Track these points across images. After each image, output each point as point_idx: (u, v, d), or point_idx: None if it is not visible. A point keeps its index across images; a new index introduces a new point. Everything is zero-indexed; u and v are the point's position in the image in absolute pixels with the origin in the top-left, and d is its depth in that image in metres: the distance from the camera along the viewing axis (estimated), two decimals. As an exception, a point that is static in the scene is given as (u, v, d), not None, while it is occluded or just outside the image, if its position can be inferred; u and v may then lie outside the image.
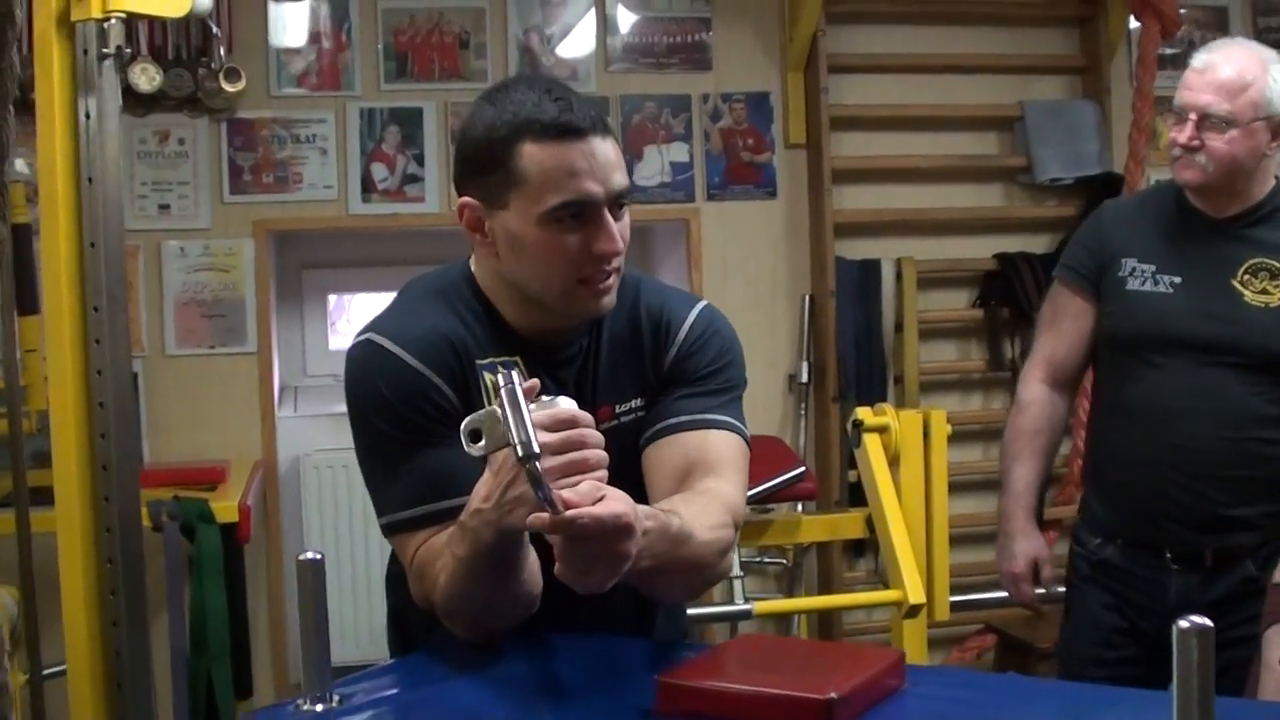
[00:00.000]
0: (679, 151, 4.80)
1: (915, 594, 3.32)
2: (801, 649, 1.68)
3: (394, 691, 1.73)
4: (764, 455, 3.86)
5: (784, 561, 4.77)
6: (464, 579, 1.72)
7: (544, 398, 1.65)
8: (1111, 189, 4.80)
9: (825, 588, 4.82)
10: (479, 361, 1.91)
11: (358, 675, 1.75)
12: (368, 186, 4.56)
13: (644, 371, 1.98)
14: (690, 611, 3.71)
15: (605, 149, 1.80)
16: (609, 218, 1.81)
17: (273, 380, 4.56)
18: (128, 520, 2.68)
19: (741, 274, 4.85)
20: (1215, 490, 2.65)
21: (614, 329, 1.98)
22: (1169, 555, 2.73)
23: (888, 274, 4.83)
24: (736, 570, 3.49)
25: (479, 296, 1.95)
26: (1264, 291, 2.66)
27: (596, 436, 1.64)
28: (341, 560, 4.57)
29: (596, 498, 1.55)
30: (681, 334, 1.98)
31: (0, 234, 0.84)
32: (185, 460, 4.29)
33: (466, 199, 1.88)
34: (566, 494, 1.53)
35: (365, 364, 1.90)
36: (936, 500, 3.49)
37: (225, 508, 3.58)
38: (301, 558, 1.61)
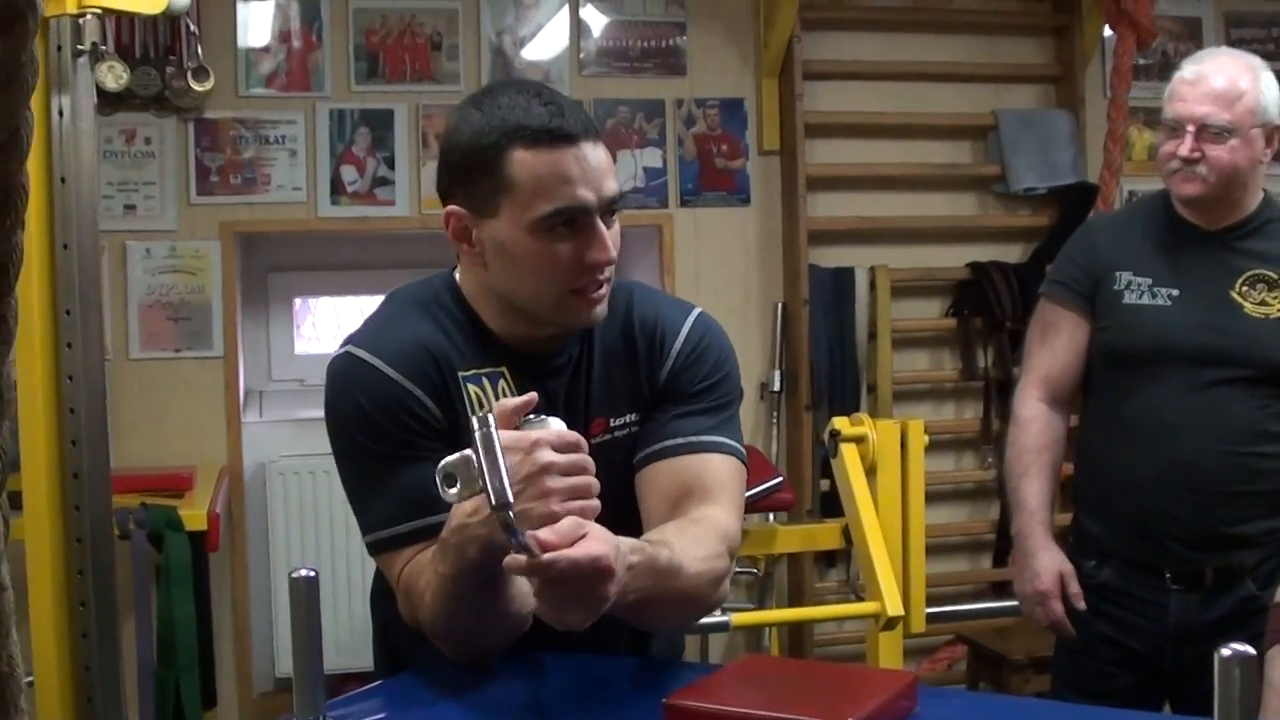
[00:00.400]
0: (652, 157, 4.75)
1: (894, 606, 3.29)
2: (810, 671, 1.64)
3: (385, 715, 1.67)
4: (740, 465, 3.83)
5: (755, 571, 4.73)
6: (450, 597, 1.67)
7: (535, 417, 1.61)
8: (1085, 199, 4.81)
9: (796, 598, 4.78)
10: (462, 373, 1.87)
11: (348, 696, 1.70)
12: (337, 189, 4.50)
13: (638, 384, 1.94)
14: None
15: (597, 155, 1.76)
16: (601, 226, 1.77)
17: (238, 385, 4.49)
18: (99, 530, 2.63)
19: (714, 281, 4.80)
20: (1218, 507, 2.63)
21: (606, 340, 1.94)
22: (1169, 575, 2.70)
23: (861, 282, 4.79)
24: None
25: (462, 306, 1.90)
26: (1263, 303, 2.64)
27: (591, 464, 1.61)
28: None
29: (577, 536, 1.50)
30: (677, 345, 1.94)
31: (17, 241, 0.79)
32: (150, 466, 4.21)
33: (453, 207, 1.83)
34: (544, 534, 1.49)
35: (345, 377, 1.86)
36: (913, 511, 3.47)
37: (193, 516, 3.51)
38: (294, 574, 1.54)
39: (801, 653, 4.74)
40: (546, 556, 1.46)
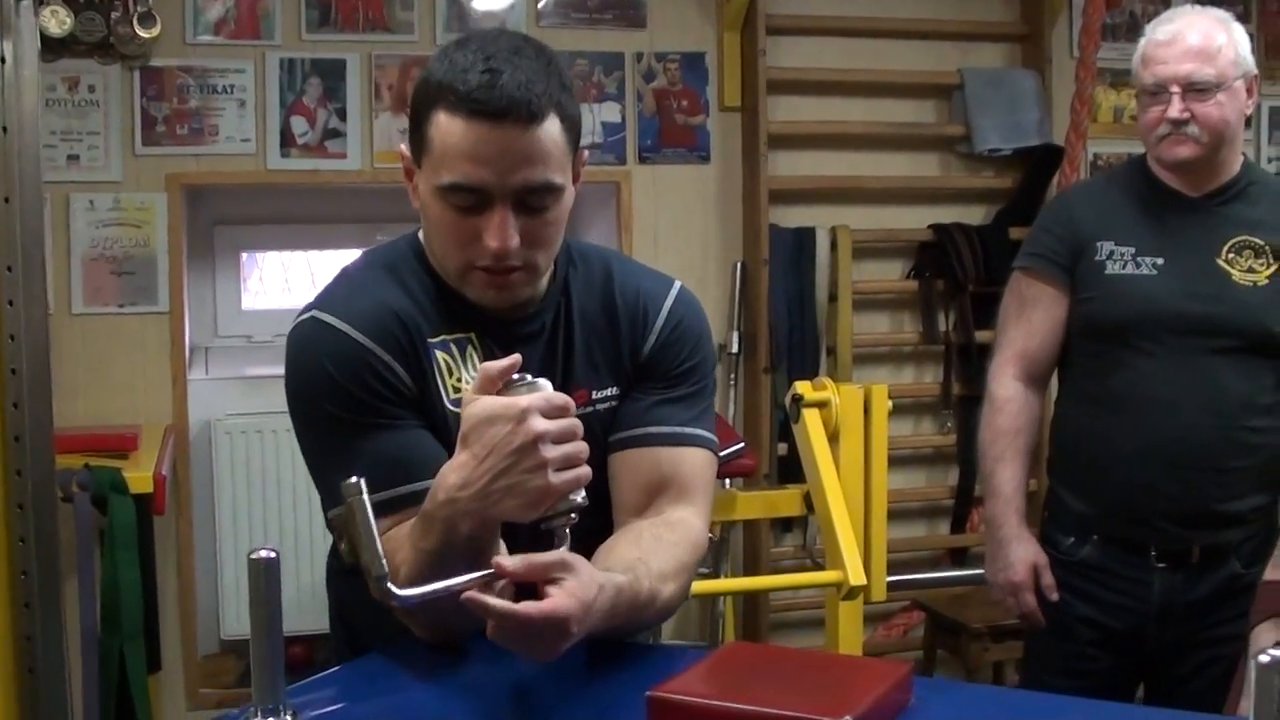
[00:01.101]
0: (610, 111, 4.65)
1: (856, 575, 3.23)
2: (800, 661, 1.56)
3: (350, 702, 1.59)
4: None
5: (711, 536, 4.65)
6: (430, 575, 1.58)
7: (525, 377, 1.52)
8: (1051, 161, 4.76)
9: (752, 563, 4.73)
10: (430, 340, 1.78)
11: (309, 682, 1.62)
12: (287, 140, 4.37)
13: (620, 357, 1.87)
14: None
15: (525, 139, 1.65)
16: (502, 213, 1.67)
17: (184, 341, 4.36)
18: (41, 496, 2.52)
19: (673, 240, 4.72)
20: (1208, 483, 2.57)
21: (586, 309, 1.87)
22: (1154, 553, 2.64)
23: (822, 243, 4.72)
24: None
25: (429, 269, 1.82)
26: (1250, 270, 2.58)
27: (580, 425, 1.54)
28: (254, 529, 4.39)
29: (550, 578, 1.47)
30: (660, 320, 1.88)
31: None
32: (93, 425, 4.09)
33: (403, 147, 1.78)
34: (519, 565, 1.46)
35: (308, 343, 1.77)
36: (876, 478, 3.40)
37: (139, 478, 3.39)
38: (254, 556, 1.45)
39: (757, 619, 4.69)
40: (503, 608, 1.43)
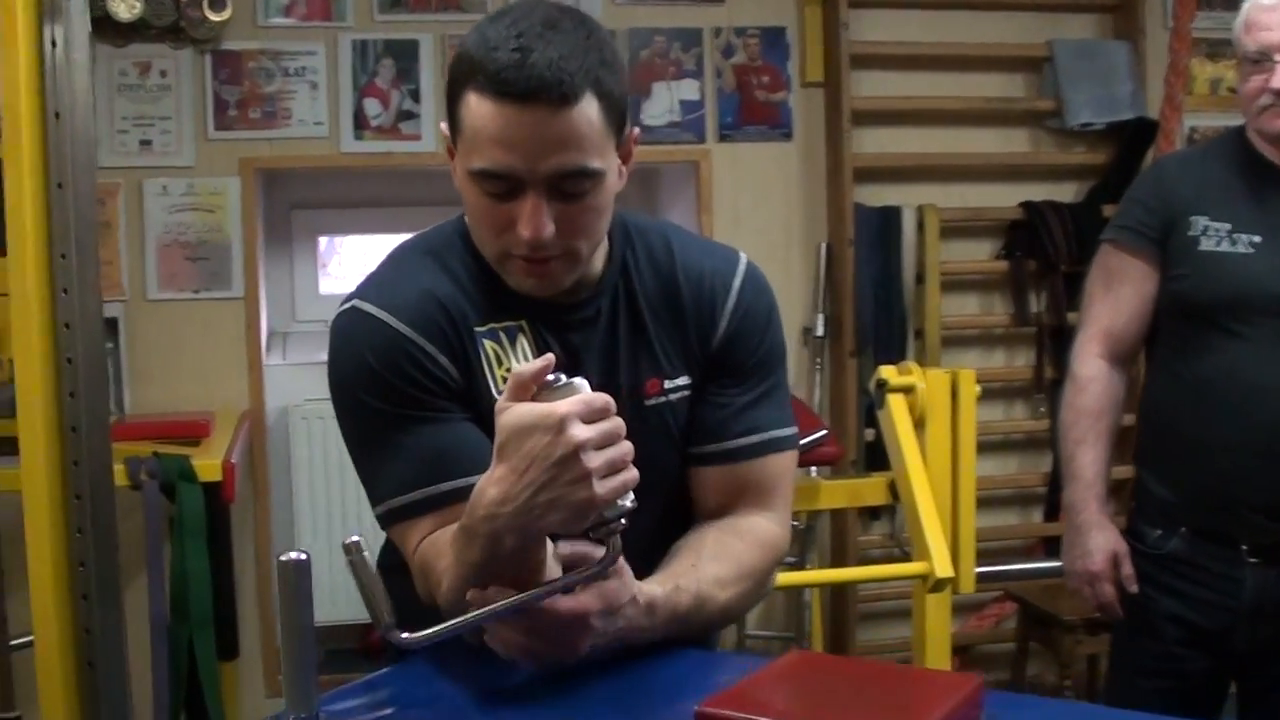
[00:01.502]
0: (689, 89, 4.54)
1: (942, 567, 3.13)
2: (862, 673, 1.45)
3: (391, 710, 1.51)
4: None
5: (797, 524, 4.56)
6: (476, 586, 1.50)
7: (560, 378, 1.42)
8: (1145, 136, 4.59)
9: (839, 552, 4.61)
10: (477, 329, 1.69)
11: (348, 688, 1.53)
12: (360, 123, 4.31)
13: (689, 346, 1.78)
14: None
15: (557, 121, 1.54)
16: (536, 200, 1.57)
17: (260, 327, 4.32)
18: (99, 487, 2.47)
19: (754, 221, 4.61)
20: None
21: (649, 292, 1.77)
22: (1245, 547, 2.50)
23: (908, 222, 4.58)
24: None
25: (475, 254, 1.72)
26: None
27: (623, 426, 1.43)
28: (332, 515, 4.36)
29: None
30: (730, 305, 1.78)
31: None
32: (167, 412, 4.07)
33: (444, 124, 1.68)
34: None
35: (350, 333, 1.69)
36: (963, 466, 3.29)
37: (208, 465, 3.34)
38: (283, 558, 1.37)
39: (845, 609, 4.58)
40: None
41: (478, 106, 1.55)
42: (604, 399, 1.41)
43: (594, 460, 1.38)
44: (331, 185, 4.66)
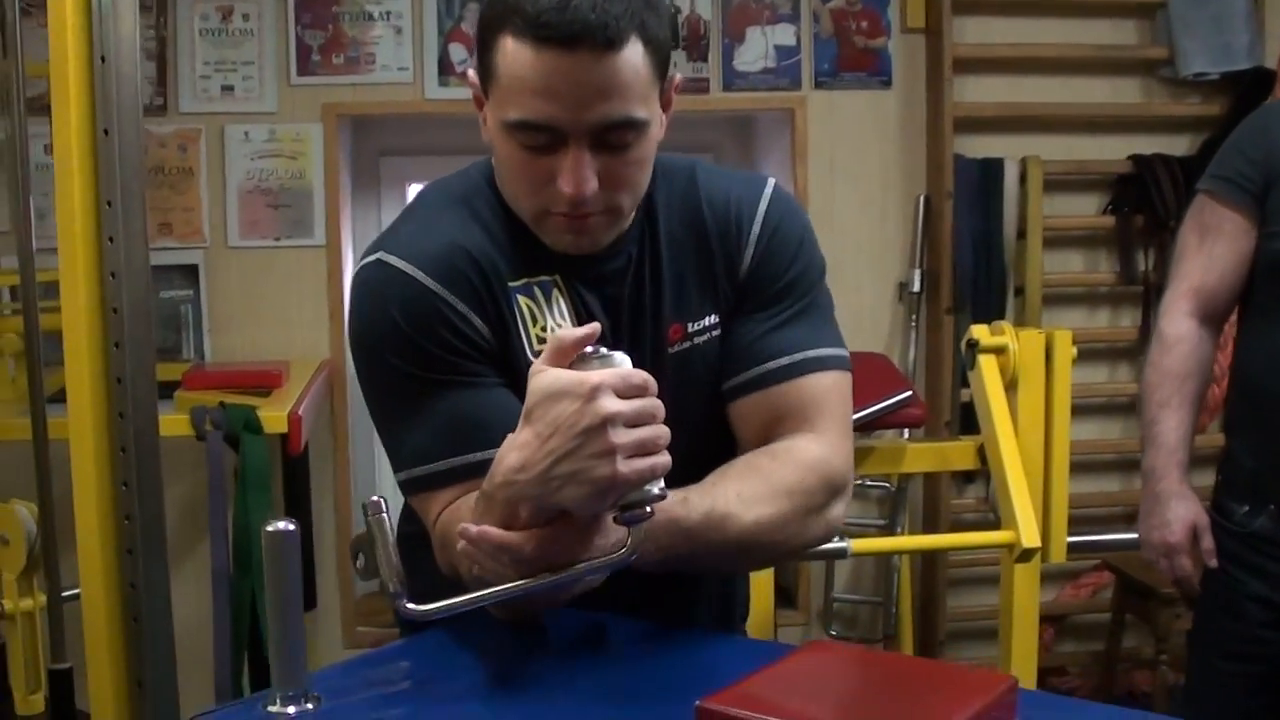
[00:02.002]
0: (785, 34, 4.38)
1: (1029, 537, 3.01)
2: (885, 668, 1.34)
3: (386, 689, 1.42)
4: (868, 376, 3.52)
5: (887, 485, 4.44)
6: None
7: (600, 350, 1.32)
8: (1262, 86, 4.35)
9: (931, 516, 4.47)
10: (511, 283, 1.59)
11: (344, 664, 1.47)
12: (445, 69, 4.21)
13: (715, 280, 1.67)
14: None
15: (601, 68, 1.44)
16: (578, 153, 1.47)
17: (342, 275, 4.26)
18: (144, 440, 2.43)
19: (850, 171, 4.46)
20: None
21: (673, 231, 1.66)
22: None
23: (1011, 175, 4.40)
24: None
25: (504, 202, 1.62)
26: None
27: (661, 408, 1.34)
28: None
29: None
30: (755, 228, 1.67)
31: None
32: (246, 361, 4.04)
33: (470, 71, 1.57)
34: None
35: (374, 289, 1.58)
36: (1057, 430, 3.15)
37: (274, 417, 3.28)
38: (269, 528, 1.30)
39: (935, 575, 4.45)
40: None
41: (515, 52, 1.45)
42: (643, 376, 1.32)
43: (622, 436, 1.29)
44: (420, 132, 4.59)
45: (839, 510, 1.63)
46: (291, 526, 1.30)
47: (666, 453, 1.32)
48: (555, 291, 1.62)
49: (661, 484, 1.34)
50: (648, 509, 1.34)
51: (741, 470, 1.55)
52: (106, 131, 2.35)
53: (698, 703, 1.19)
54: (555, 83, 1.44)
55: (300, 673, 1.31)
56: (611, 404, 1.29)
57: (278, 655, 1.31)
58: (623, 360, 1.34)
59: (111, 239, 2.38)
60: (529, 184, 1.53)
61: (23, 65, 2.76)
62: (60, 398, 2.46)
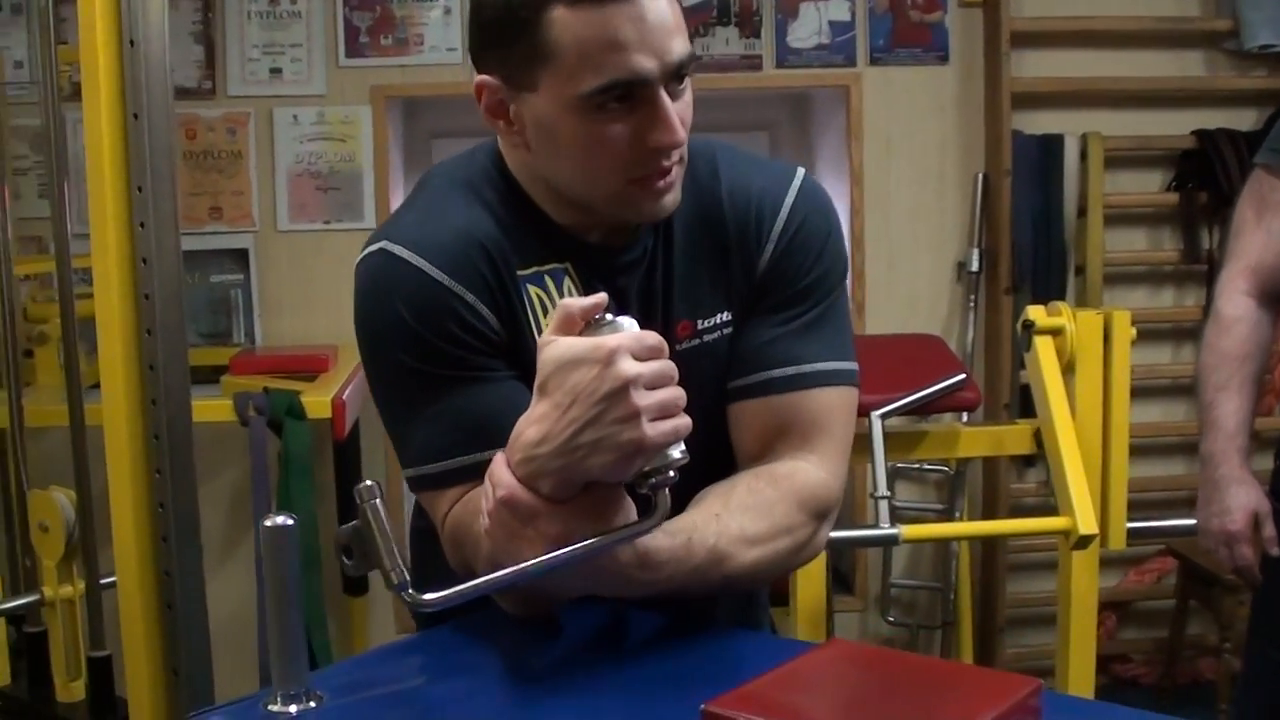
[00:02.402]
0: (839, 9, 4.31)
1: (1086, 524, 2.93)
2: (904, 669, 1.27)
3: (392, 687, 1.38)
4: (920, 358, 3.47)
5: (946, 469, 4.36)
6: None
7: (605, 317, 1.27)
8: (1331, 58, 4.23)
9: (990, 500, 4.40)
10: (521, 272, 1.53)
11: (348, 662, 1.43)
12: (495, 49, 4.17)
13: (731, 276, 1.59)
14: (830, 534, 3.34)
15: (658, 8, 1.38)
16: (665, 100, 1.40)
17: (393, 259, 4.24)
18: (177, 428, 2.40)
19: (907, 149, 4.39)
20: None
21: (688, 221, 1.58)
22: None
23: (1071, 151, 4.31)
24: (882, 490, 3.09)
25: (513, 188, 1.55)
26: None
27: (675, 368, 1.29)
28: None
29: None
30: (778, 225, 1.58)
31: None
32: (297, 344, 4.03)
33: (485, 78, 1.49)
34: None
35: (380, 281, 1.51)
36: (1116, 414, 3.07)
37: (317, 402, 3.26)
38: (267, 522, 1.26)
39: (995, 560, 4.37)
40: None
41: (574, 20, 1.37)
42: (656, 337, 1.27)
43: (645, 399, 1.24)
44: (472, 114, 4.49)
45: (823, 535, 1.57)
46: (290, 521, 1.26)
47: (685, 414, 1.28)
48: (566, 280, 1.56)
49: (682, 447, 1.28)
50: (670, 473, 1.28)
51: (745, 499, 1.48)
52: (136, 116, 2.33)
53: (703, 706, 1.14)
54: (632, 32, 1.37)
55: (302, 671, 1.28)
56: (631, 366, 1.24)
57: (277, 653, 1.27)
58: (631, 324, 1.28)
59: (143, 224, 2.35)
60: (612, 156, 1.44)
61: (56, 50, 2.75)
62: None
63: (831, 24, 4.31)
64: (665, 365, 1.27)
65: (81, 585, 2.80)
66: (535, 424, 1.27)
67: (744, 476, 1.52)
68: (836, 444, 1.57)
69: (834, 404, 1.57)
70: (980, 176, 4.38)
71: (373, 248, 1.54)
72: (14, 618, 3.00)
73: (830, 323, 1.59)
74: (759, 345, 1.57)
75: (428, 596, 1.28)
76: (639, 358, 1.25)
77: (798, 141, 4.90)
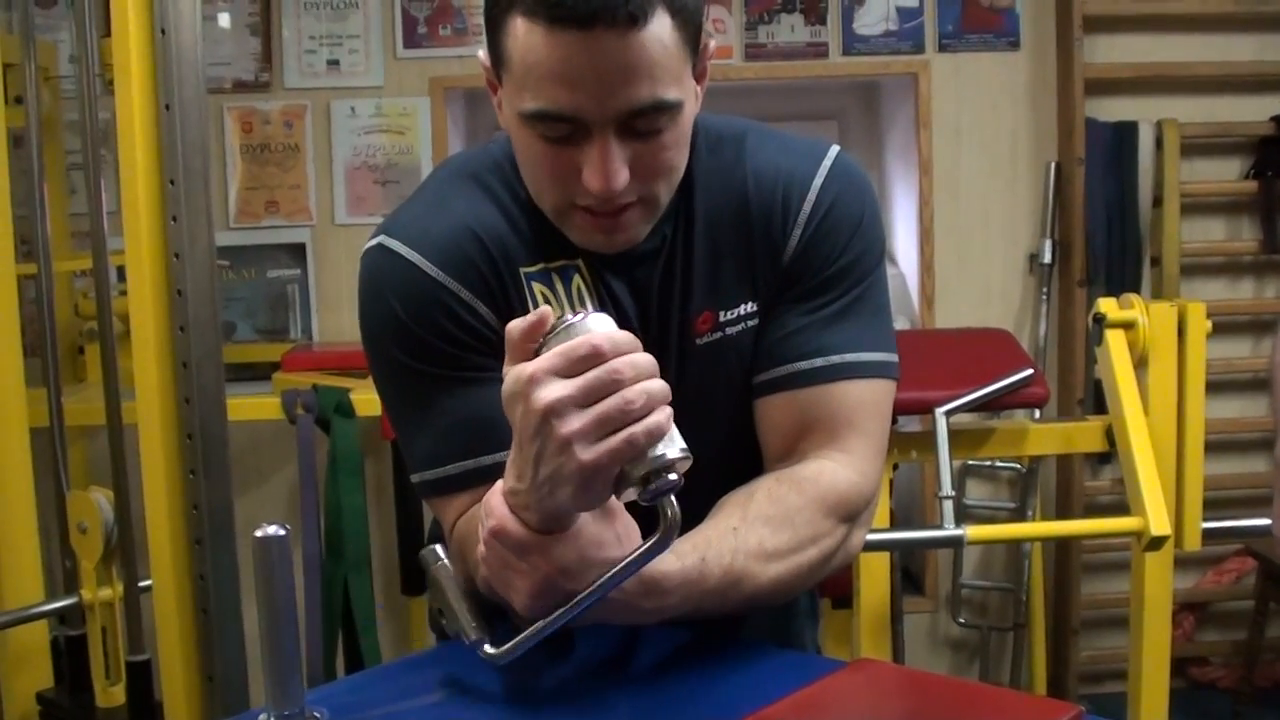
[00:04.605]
0: (907, -5, 4.22)
1: (1159, 524, 2.84)
2: (935, 693, 1.19)
3: (393, 707, 1.31)
4: (987, 354, 3.37)
5: (1018, 467, 4.24)
6: None
7: (564, 320, 1.17)
8: None
9: (1064, 498, 4.28)
10: (525, 270, 1.45)
11: (347, 681, 1.36)
12: (554, 39, 4.11)
13: (755, 265, 1.49)
14: (891, 536, 3.27)
15: (623, 48, 1.26)
16: (604, 144, 1.30)
17: (452, 253, 4.20)
18: (211, 427, 2.36)
19: (976, 137, 4.27)
20: None
21: (712, 207, 1.49)
22: None
23: (1146, 139, 4.18)
24: (947, 489, 2.99)
25: (523, 182, 1.46)
26: None
27: (639, 366, 1.15)
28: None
29: None
30: (806, 208, 1.48)
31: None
32: (355, 340, 3.97)
33: (482, 53, 1.41)
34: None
35: (376, 277, 1.46)
36: (1190, 410, 2.97)
37: (367, 400, 3.21)
38: (259, 534, 1.19)
39: (1068, 561, 4.25)
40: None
41: (527, 35, 1.27)
42: (587, 345, 1.14)
43: (573, 423, 1.12)
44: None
45: (859, 537, 1.47)
46: (282, 531, 1.19)
47: (658, 411, 1.15)
48: (577, 277, 1.47)
49: (679, 445, 1.16)
50: (671, 476, 1.16)
51: (765, 508, 1.38)
52: (168, 107, 2.29)
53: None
54: (573, 68, 1.27)
55: (297, 690, 1.21)
56: (548, 392, 1.14)
57: (270, 671, 1.20)
58: (596, 322, 1.17)
59: (175, 219, 2.31)
60: (551, 178, 1.37)
61: (97, 43, 2.71)
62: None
63: (899, 10, 4.20)
64: (600, 373, 1.14)
65: (120, 588, 2.76)
66: (511, 464, 1.21)
67: (765, 481, 1.42)
68: (868, 441, 1.47)
69: (865, 398, 1.47)
70: (1052, 165, 4.26)
71: (372, 242, 1.49)
72: (58, 620, 2.97)
73: (863, 310, 1.49)
74: (784, 336, 1.48)
75: (501, 650, 1.27)
76: (566, 374, 1.14)
77: (867, 130, 4.80)
